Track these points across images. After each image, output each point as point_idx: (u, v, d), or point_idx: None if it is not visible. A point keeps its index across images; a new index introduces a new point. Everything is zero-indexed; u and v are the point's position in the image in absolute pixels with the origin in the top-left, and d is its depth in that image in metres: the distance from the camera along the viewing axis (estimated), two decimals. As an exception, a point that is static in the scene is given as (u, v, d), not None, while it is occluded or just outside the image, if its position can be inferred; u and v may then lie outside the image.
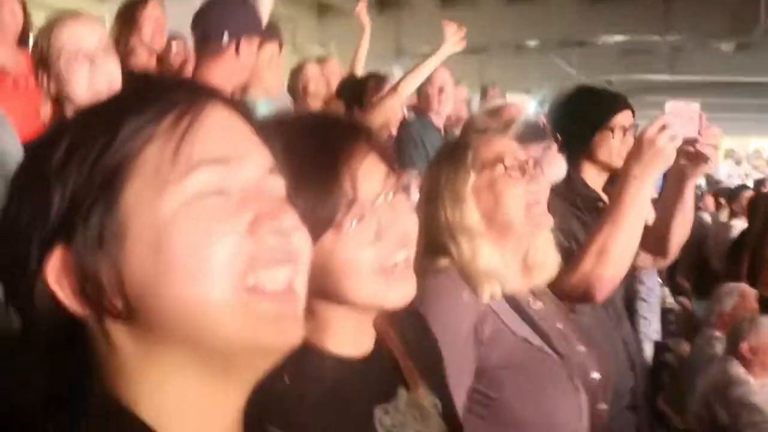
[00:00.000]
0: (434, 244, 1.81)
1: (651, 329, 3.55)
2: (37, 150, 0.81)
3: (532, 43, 14.98)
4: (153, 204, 0.76)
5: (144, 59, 3.98)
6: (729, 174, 16.67)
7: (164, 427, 0.78)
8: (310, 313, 1.17)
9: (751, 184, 13.51)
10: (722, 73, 16.20)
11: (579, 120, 2.84)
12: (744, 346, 4.25)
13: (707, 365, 4.63)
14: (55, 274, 0.77)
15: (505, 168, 1.86)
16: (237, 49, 3.04)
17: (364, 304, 1.20)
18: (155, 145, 0.77)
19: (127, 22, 3.97)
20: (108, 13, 7.45)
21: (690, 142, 2.22)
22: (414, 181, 1.30)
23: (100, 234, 0.75)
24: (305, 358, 1.10)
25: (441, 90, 4.67)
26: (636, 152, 2.18)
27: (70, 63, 2.35)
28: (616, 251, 2.17)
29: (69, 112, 2.40)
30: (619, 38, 14.31)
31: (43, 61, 2.41)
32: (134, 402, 0.78)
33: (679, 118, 2.19)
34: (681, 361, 5.35)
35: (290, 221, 0.81)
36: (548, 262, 1.96)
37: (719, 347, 4.71)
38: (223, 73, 3.01)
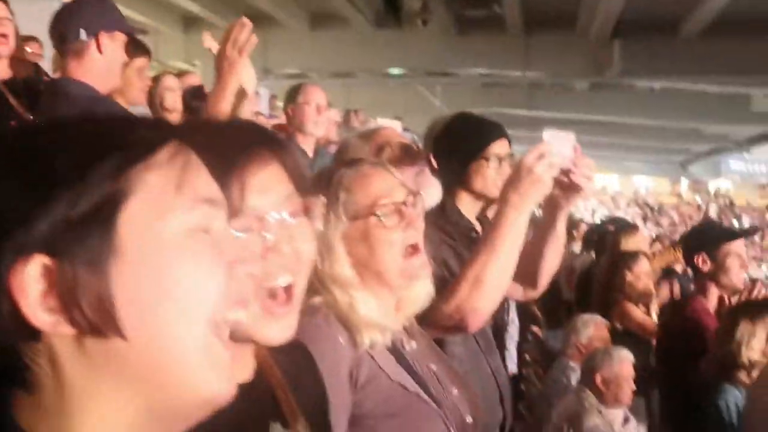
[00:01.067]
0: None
1: (512, 361, 3.57)
2: (26, 148, 0.78)
3: (397, 70, 15.15)
4: (152, 227, 0.76)
5: None
6: (576, 208, 17.40)
7: None
8: None
9: (598, 218, 14.12)
10: (576, 111, 16.91)
11: (455, 148, 2.81)
12: (598, 378, 4.35)
13: (562, 395, 4.72)
14: (22, 283, 0.73)
15: (380, 217, 1.72)
16: (99, 47, 2.92)
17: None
18: (157, 173, 0.78)
19: None
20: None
21: (565, 172, 2.22)
22: (319, 207, 1.21)
23: (96, 250, 0.74)
24: None
25: (319, 109, 4.39)
26: (514, 180, 2.14)
27: None
28: (492, 280, 2.13)
29: None
30: (481, 71, 14.68)
31: None
32: None
33: (556, 148, 2.18)
34: (534, 391, 5.45)
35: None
36: (421, 296, 1.85)
37: (573, 377, 4.82)
38: (90, 73, 2.89)
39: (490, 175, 2.72)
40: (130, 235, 0.75)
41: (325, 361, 1.52)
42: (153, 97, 4.41)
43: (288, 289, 1.12)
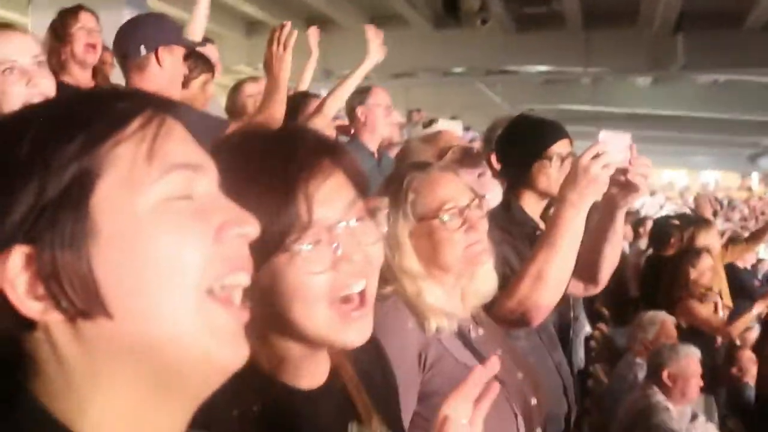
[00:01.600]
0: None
1: (577, 357, 3.60)
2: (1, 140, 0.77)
3: (458, 69, 15.13)
4: (126, 203, 0.75)
5: (77, 73, 3.88)
6: (644, 204, 17.10)
7: None
8: (263, 342, 1.13)
9: (665, 214, 13.92)
10: (639, 106, 16.71)
11: (518, 149, 2.88)
12: (664, 374, 4.35)
13: (628, 392, 4.72)
14: (9, 276, 0.73)
15: (444, 220, 1.87)
16: (158, 60, 3.15)
17: (315, 335, 1.13)
18: (126, 146, 0.77)
19: (58, 35, 3.87)
20: (30, 25, 7.26)
21: (621, 171, 2.27)
22: (383, 208, 1.27)
23: (71, 233, 0.73)
24: (261, 387, 1.10)
25: (387, 111, 4.53)
26: (571, 179, 2.22)
27: (6, 78, 2.25)
28: (552, 276, 2.22)
29: None
30: (542, 68, 14.59)
31: None
32: (72, 420, 0.76)
33: (612, 147, 2.24)
34: (601, 388, 5.45)
35: (252, 229, 0.81)
36: (485, 287, 1.98)
37: (640, 374, 4.81)
38: (152, 85, 3.08)
39: (552, 174, 2.78)
40: (104, 214, 0.75)
41: (394, 345, 1.62)
42: (234, 104, 4.56)
43: (362, 294, 1.13)
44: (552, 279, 2.22)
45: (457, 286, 1.92)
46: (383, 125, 4.53)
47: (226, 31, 13.91)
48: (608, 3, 11.64)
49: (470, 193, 1.93)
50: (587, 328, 6.54)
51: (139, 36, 3.18)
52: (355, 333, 1.13)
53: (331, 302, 1.10)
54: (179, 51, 3.24)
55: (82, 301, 0.74)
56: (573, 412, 2.63)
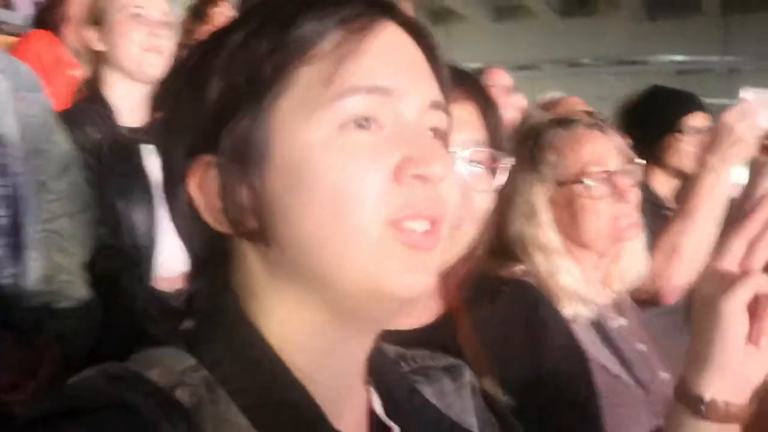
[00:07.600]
0: (505, 249, 1.61)
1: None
2: (199, 47, 0.78)
3: (585, 60, 14.75)
4: (300, 126, 0.72)
5: None
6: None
7: (289, 360, 0.75)
8: None
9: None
10: (780, 98, 15.86)
11: (647, 121, 2.70)
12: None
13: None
14: (197, 185, 0.75)
15: (588, 184, 1.63)
16: None
17: None
18: (313, 66, 0.72)
19: (198, 14, 3.91)
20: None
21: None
22: (506, 167, 1.21)
23: (244, 148, 0.72)
24: None
25: (505, 92, 4.51)
26: (713, 142, 2.01)
27: (128, 22, 2.28)
28: (688, 248, 2.01)
29: (104, 76, 2.32)
30: (675, 58, 14.04)
31: (96, 16, 2.33)
32: (264, 328, 0.76)
33: (757, 107, 2.02)
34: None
35: (440, 168, 0.72)
36: (633, 269, 1.76)
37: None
38: None
39: (685, 150, 2.60)
40: (278, 135, 0.72)
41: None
42: None
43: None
44: (688, 252, 2.01)
45: (599, 267, 1.70)
46: (501, 106, 4.45)
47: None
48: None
49: (620, 157, 1.69)
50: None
51: None
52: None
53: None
54: None
55: (250, 221, 0.73)
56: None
